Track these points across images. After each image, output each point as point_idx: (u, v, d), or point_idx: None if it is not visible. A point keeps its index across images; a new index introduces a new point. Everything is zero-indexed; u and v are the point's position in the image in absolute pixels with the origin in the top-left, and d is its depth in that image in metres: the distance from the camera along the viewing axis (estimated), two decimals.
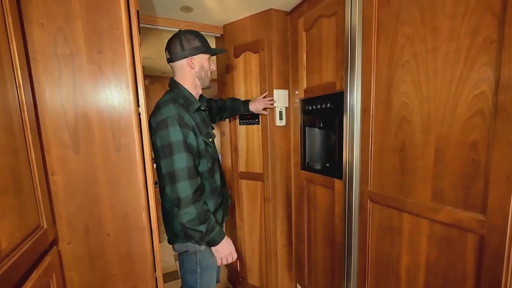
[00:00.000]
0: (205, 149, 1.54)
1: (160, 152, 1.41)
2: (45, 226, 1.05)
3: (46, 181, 1.14)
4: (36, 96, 1.12)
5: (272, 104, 2.14)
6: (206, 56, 1.58)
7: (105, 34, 1.20)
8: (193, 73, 1.56)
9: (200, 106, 1.58)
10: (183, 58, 1.52)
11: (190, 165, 1.40)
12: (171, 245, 1.64)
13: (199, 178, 1.47)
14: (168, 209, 1.57)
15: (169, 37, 1.57)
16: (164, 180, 1.44)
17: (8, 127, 0.87)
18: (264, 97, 2.15)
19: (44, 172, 1.12)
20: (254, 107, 2.12)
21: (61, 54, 1.15)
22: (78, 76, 1.18)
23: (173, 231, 1.58)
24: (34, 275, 0.91)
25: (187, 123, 1.43)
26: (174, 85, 1.57)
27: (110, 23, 1.20)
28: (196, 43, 1.52)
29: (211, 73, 1.65)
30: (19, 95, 0.95)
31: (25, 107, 0.97)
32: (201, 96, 1.68)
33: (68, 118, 1.18)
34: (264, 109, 2.15)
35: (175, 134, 1.38)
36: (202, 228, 1.42)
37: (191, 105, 1.53)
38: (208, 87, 1.66)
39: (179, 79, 1.57)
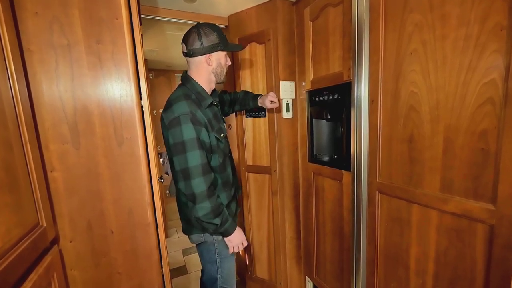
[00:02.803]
0: (217, 145, 1.54)
1: (172, 149, 1.41)
2: (45, 224, 1.04)
3: (45, 178, 1.12)
4: (32, 89, 1.09)
5: (275, 100, 1.99)
6: (224, 52, 1.56)
7: (104, 24, 1.17)
8: (209, 69, 1.54)
9: (212, 102, 1.57)
10: (202, 55, 1.49)
11: (203, 162, 1.41)
12: (179, 239, 1.65)
13: (212, 173, 1.49)
14: (183, 201, 1.59)
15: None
16: (177, 175, 1.45)
17: (0, 121, 0.84)
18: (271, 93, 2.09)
19: (43, 168, 1.10)
20: (261, 101, 2.03)
21: (57, 44, 1.12)
22: (76, 67, 1.15)
23: (189, 222, 1.61)
24: (33, 276, 0.90)
25: (199, 120, 1.42)
26: (186, 79, 1.56)
27: (109, 11, 1.18)
28: (215, 39, 1.49)
29: (227, 68, 1.63)
30: (12, 87, 0.92)
31: (19, 99, 0.94)
32: (213, 91, 1.67)
33: (67, 112, 1.15)
34: (272, 103, 2.03)
35: (187, 132, 1.37)
36: (217, 221, 1.46)
37: (203, 100, 1.52)
38: (223, 82, 1.65)
39: (193, 74, 1.55)
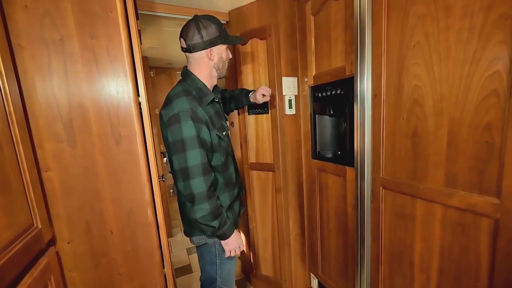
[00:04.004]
0: (218, 144, 1.48)
1: (171, 148, 1.36)
2: (40, 226, 1.02)
3: (39, 178, 1.09)
4: (23, 86, 1.06)
5: (267, 92, 1.89)
6: (225, 45, 1.51)
7: (98, 17, 1.14)
8: (210, 64, 1.48)
9: (214, 98, 1.51)
10: (202, 50, 1.43)
11: (204, 161, 1.36)
12: (183, 239, 1.61)
13: (213, 173, 1.43)
14: (184, 202, 1.54)
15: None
16: (176, 175, 1.40)
17: None
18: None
19: (36, 168, 1.07)
20: (253, 96, 1.96)
21: (49, 40, 1.09)
22: (70, 63, 1.12)
23: (190, 224, 1.56)
24: (28, 279, 0.87)
25: (200, 118, 1.36)
26: (187, 75, 1.49)
27: (103, 4, 1.14)
28: (215, 32, 1.42)
29: (228, 62, 1.57)
30: (1, 84, 0.89)
31: (9, 97, 0.91)
32: (215, 87, 1.61)
33: (61, 109, 1.13)
34: (264, 97, 1.93)
35: (187, 130, 1.31)
36: (215, 223, 1.40)
37: (205, 97, 1.46)
38: (225, 76, 1.61)
39: (194, 69, 1.48)
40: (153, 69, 4.55)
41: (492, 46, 0.92)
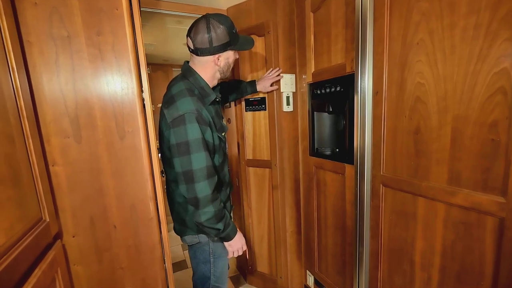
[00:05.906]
0: (219, 145, 1.48)
1: (174, 149, 1.31)
2: (48, 219, 1.02)
3: (47, 172, 1.10)
4: (32, 81, 1.07)
5: (279, 75, 2.06)
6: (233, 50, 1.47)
7: (103, 14, 1.15)
8: (216, 68, 1.45)
9: (215, 98, 1.48)
10: (210, 55, 1.39)
11: (208, 164, 1.32)
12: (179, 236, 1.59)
13: (216, 176, 1.40)
14: (178, 201, 1.53)
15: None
16: (178, 177, 1.35)
17: (1, 114, 0.82)
18: (269, 74, 2.08)
19: (44, 162, 1.08)
20: (261, 86, 2.04)
21: (57, 36, 1.09)
22: (77, 59, 1.13)
23: (183, 223, 1.55)
24: (38, 271, 0.87)
25: (204, 119, 1.33)
26: (190, 72, 1.44)
27: (109, 2, 1.15)
28: (225, 36, 1.36)
29: (233, 64, 1.54)
30: (12, 79, 0.90)
31: (20, 92, 0.92)
32: (215, 85, 1.57)
33: (68, 105, 1.13)
34: (272, 85, 2.07)
35: (193, 132, 1.28)
36: (220, 226, 1.39)
37: (207, 97, 1.43)
38: (227, 78, 1.58)
39: (197, 68, 1.44)
40: (150, 66, 4.52)
41: (499, 44, 0.91)
